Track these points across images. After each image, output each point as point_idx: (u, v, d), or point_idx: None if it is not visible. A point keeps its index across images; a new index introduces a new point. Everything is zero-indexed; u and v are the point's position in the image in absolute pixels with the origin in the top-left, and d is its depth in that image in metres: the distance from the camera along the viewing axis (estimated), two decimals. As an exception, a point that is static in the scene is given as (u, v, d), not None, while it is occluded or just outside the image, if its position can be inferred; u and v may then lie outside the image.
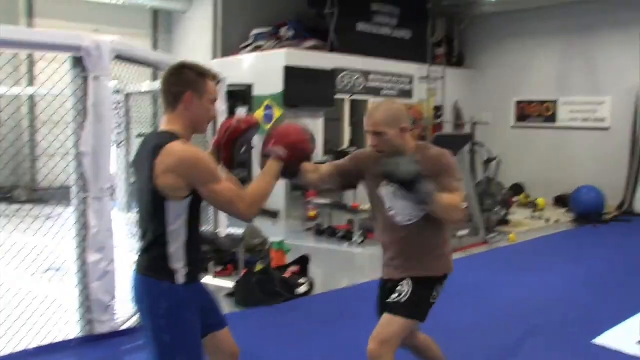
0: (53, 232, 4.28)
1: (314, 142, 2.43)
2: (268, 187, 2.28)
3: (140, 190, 2.24)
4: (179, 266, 2.18)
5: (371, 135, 2.67)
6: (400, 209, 2.69)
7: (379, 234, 2.91)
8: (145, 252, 2.24)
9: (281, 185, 9.40)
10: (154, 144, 2.15)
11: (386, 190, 2.75)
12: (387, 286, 2.86)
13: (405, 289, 2.73)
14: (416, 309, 2.73)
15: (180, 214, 2.15)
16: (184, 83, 2.19)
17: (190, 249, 2.21)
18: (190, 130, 2.26)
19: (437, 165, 2.62)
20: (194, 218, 2.20)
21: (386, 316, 2.74)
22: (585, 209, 9.32)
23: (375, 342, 2.70)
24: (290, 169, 2.37)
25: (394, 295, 2.74)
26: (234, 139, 2.47)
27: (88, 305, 3.93)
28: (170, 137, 2.16)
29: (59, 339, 3.92)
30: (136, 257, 2.30)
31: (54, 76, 4.09)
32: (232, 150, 2.48)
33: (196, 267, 2.26)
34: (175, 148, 2.11)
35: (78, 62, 3.81)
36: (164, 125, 2.25)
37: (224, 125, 2.50)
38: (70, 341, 3.91)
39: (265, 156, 2.39)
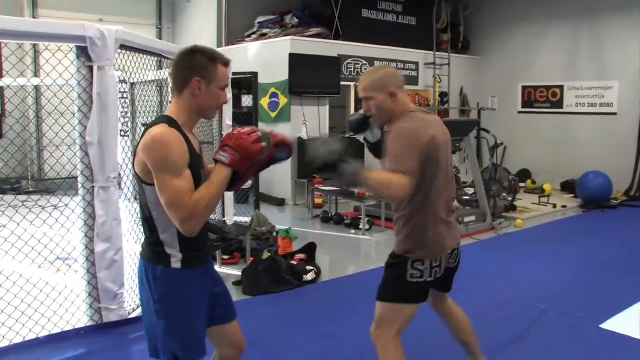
0: (60, 223, 4.30)
1: (269, 141, 2.17)
2: (213, 195, 2.06)
3: None
4: (173, 252, 2.15)
5: (362, 101, 2.71)
6: None
7: None
8: (145, 236, 2.23)
9: (287, 173, 9.42)
10: (147, 126, 2.14)
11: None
12: None
13: (385, 273, 2.79)
14: (391, 291, 2.74)
15: None
16: (193, 68, 2.12)
17: (185, 236, 2.10)
18: (195, 116, 2.20)
19: (388, 140, 2.57)
20: None
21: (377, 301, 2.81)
22: (592, 195, 9.29)
23: (373, 324, 2.81)
24: (240, 174, 2.14)
25: None
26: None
27: (96, 294, 3.96)
28: (163, 120, 2.12)
29: (69, 327, 3.95)
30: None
31: (59, 67, 4.09)
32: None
33: (194, 254, 2.20)
34: (154, 130, 2.05)
35: (83, 52, 3.81)
36: (169, 109, 2.21)
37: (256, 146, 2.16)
38: (79, 330, 3.94)
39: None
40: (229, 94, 6.58)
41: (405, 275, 2.67)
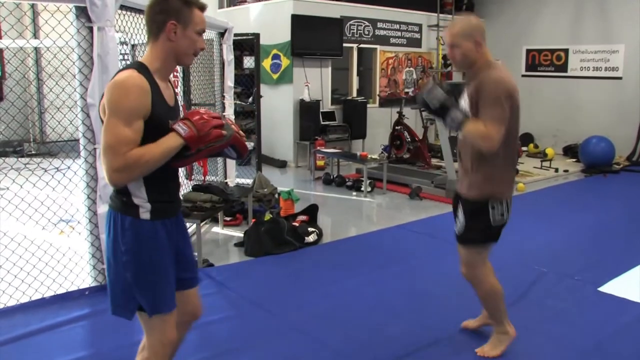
0: (63, 185, 4.32)
1: (230, 133, 2.14)
2: (155, 158, 2.00)
3: None
4: (141, 202, 2.10)
5: (448, 47, 2.88)
6: None
7: None
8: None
9: (289, 135, 9.41)
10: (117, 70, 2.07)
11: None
12: (456, 195, 3.15)
13: (461, 218, 3.02)
14: (476, 235, 2.99)
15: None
16: (167, 11, 2.06)
17: (152, 185, 2.10)
18: (171, 62, 2.14)
19: (479, 92, 2.78)
20: None
21: (459, 247, 3.11)
22: (594, 159, 9.29)
23: (463, 266, 3.13)
24: (190, 152, 2.09)
25: (456, 226, 3.08)
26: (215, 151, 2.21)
27: (99, 255, 3.99)
28: (133, 65, 2.08)
29: (73, 288, 4.00)
30: None
31: (58, 27, 4.04)
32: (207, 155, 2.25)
33: (163, 205, 2.15)
34: (120, 74, 2.01)
35: (82, 13, 3.75)
36: (144, 55, 2.15)
37: (211, 131, 2.11)
38: (83, 290, 3.99)
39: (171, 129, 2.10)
40: (230, 55, 6.52)
41: (489, 218, 2.92)
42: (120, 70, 2.07)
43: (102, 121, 2.04)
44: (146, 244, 2.11)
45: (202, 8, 2.15)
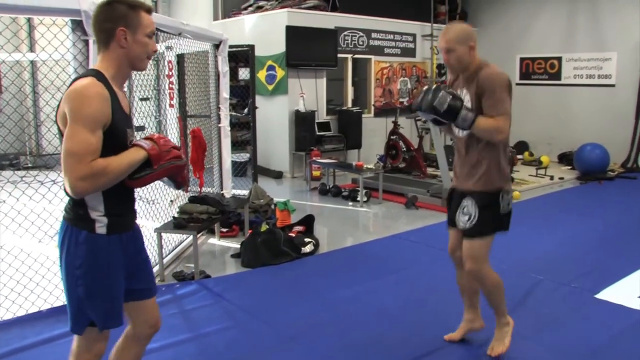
0: (60, 197, 4.31)
1: (182, 160, 2.19)
2: (120, 169, 1.99)
3: None
4: (98, 216, 2.08)
5: (444, 52, 3.05)
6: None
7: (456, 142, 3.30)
8: (68, 197, 2.12)
9: (285, 145, 9.43)
10: (73, 79, 2.05)
11: None
12: (455, 192, 3.26)
13: (471, 211, 3.09)
14: (488, 226, 3.10)
15: None
16: (115, 18, 2.05)
17: (111, 199, 2.09)
18: (125, 68, 2.14)
19: (484, 87, 2.92)
20: None
21: (466, 241, 3.14)
22: (589, 167, 9.32)
23: (469, 261, 3.14)
24: (150, 169, 2.10)
25: (464, 219, 3.11)
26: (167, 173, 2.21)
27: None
28: (91, 73, 2.06)
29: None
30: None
31: (54, 41, 4.06)
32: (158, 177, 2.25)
33: (119, 219, 2.14)
34: (79, 82, 1.98)
35: (78, 26, 3.77)
36: (97, 63, 2.13)
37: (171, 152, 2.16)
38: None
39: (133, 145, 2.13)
40: (226, 67, 6.54)
41: (499, 208, 3.07)
42: (77, 78, 2.05)
43: (60, 130, 2.03)
44: (100, 258, 2.09)
45: (149, 10, 2.15)
